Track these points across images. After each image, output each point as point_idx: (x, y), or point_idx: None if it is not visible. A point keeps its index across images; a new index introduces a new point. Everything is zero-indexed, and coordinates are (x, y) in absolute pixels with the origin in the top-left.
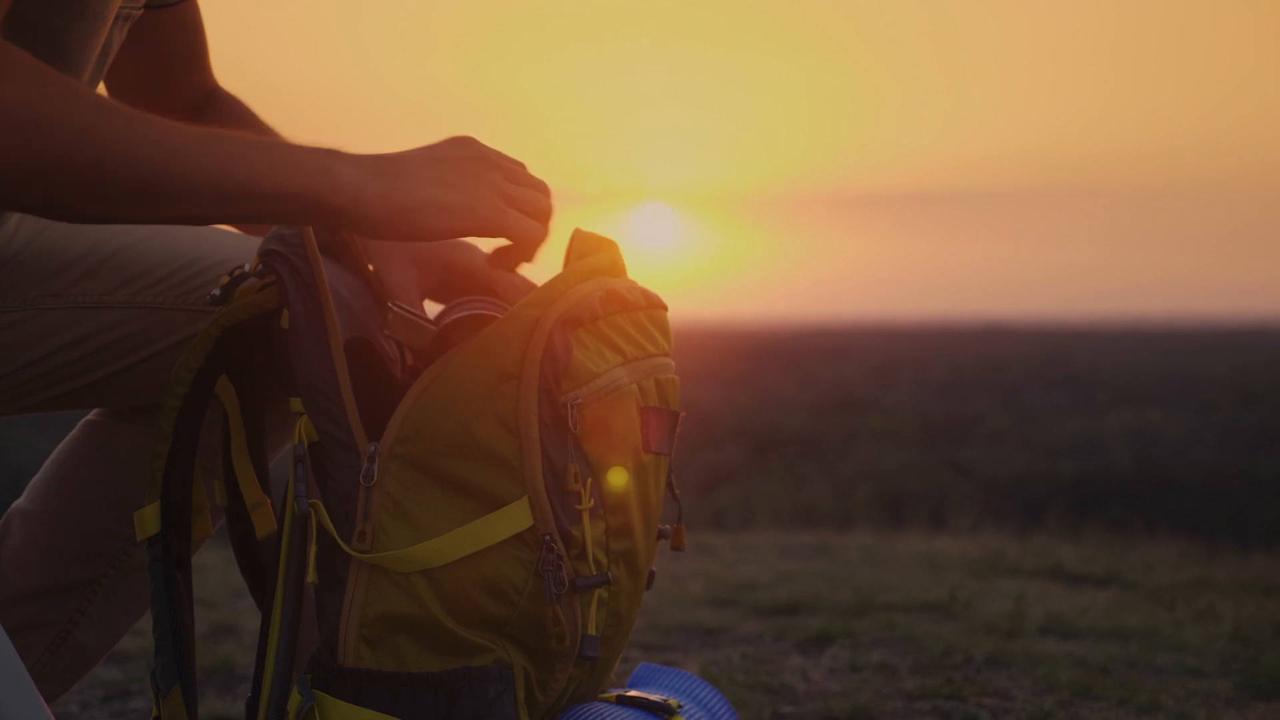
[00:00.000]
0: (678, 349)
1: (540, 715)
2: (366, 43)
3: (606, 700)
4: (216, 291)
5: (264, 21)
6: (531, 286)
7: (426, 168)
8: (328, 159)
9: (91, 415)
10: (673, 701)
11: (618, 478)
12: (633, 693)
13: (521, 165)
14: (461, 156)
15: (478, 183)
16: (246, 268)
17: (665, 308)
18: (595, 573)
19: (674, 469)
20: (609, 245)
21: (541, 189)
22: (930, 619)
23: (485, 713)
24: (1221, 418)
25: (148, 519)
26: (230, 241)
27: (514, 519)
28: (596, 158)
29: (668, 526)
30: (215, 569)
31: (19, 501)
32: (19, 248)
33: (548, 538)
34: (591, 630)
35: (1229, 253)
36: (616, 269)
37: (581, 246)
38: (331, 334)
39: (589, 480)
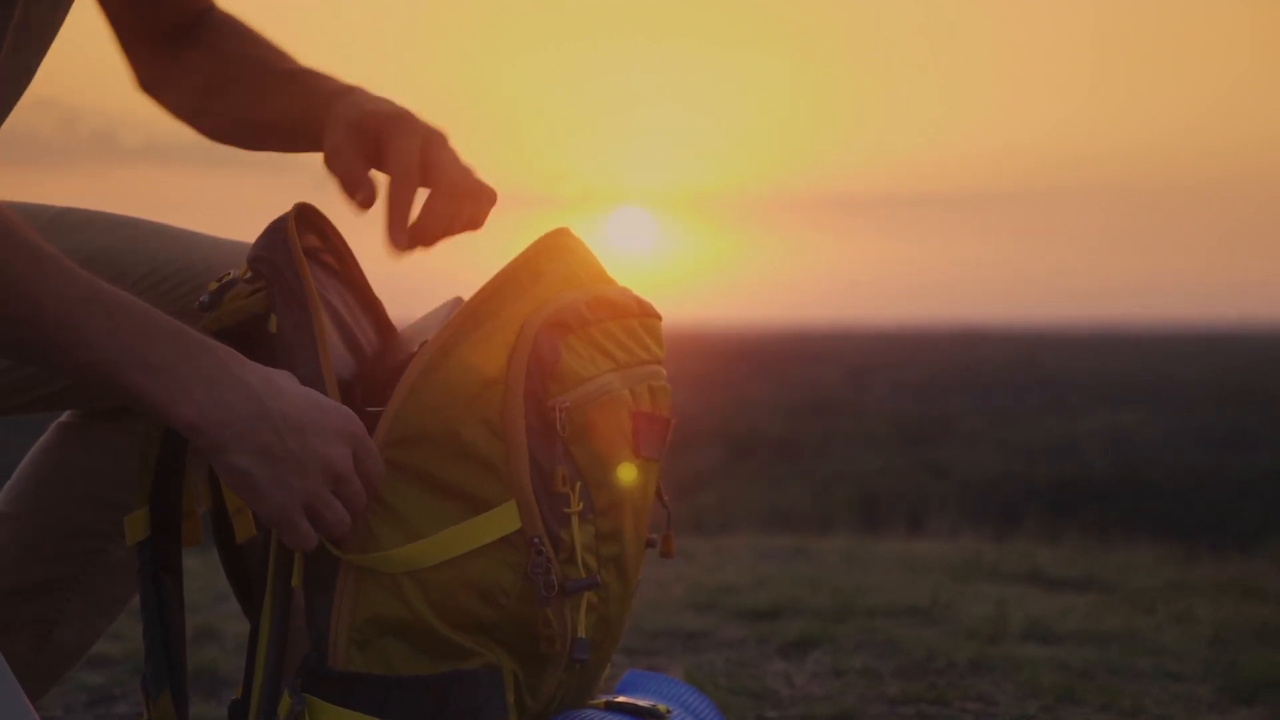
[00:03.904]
0: None
1: (530, 719)
2: (345, 40)
3: (595, 707)
4: (205, 298)
5: (244, 15)
6: (469, 178)
7: (269, 430)
8: (189, 374)
9: (64, 417)
10: (661, 707)
11: (627, 473)
12: (621, 698)
13: (368, 454)
14: (312, 437)
15: (295, 479)
16: (234, 274)
17: (659, 317)
18: (584, 576)
19: (662, 476)
20: (581, 248)
21: (365, 485)
22: (911, 623)
23: (475, 716)
24: (1197, 420)
25: (136, 523)
26: (218, 248)
27: (502, 521)
28: (572, 160)
29: (655, 535)
30: (198, 573)
31: None
32: None
33: (536, 540)
34: (581, 634)
35: (1204, 256)
36: (602, 275)
37: (553, 248)
38: (319, 340)
39: (578, 484)
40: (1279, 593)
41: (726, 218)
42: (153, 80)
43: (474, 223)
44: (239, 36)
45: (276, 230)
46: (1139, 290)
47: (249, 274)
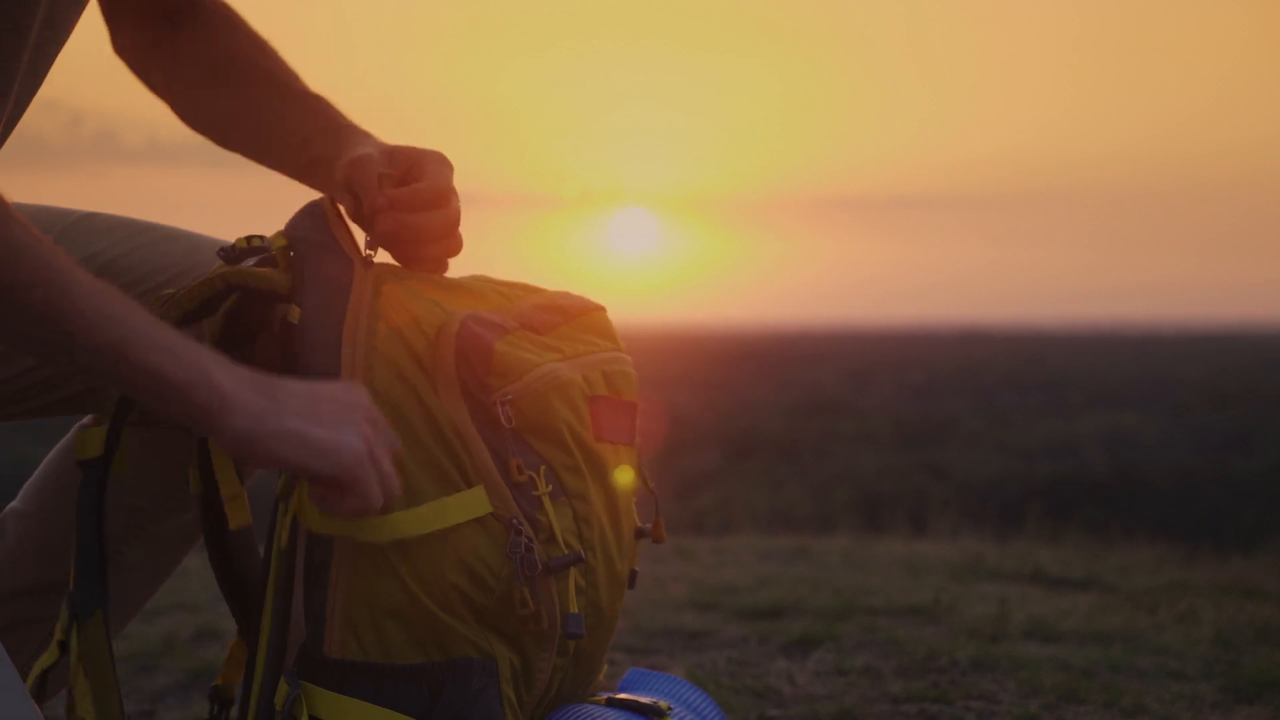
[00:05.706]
0: (655, 352)
1: (528, 712)
2: (345, 40)
3: (596, 703)
4: (231, 244)
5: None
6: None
7: (300, 399)
8: (207, 359)
9: (85, 420)
10: (662, 704)
11: (590, 458)
12: (623, 695)
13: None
14: (342, 400)
15: (348, 425)
16: (267, 240)
17: (602, 308)
18: (567, 553)
19: (645, 463)
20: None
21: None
22: (913, 622)
23: (470, 707)
24: (1196, 421)
25: (90, 439)
26: None
27: (474, 503)
28: (574, 161)
29: (646, 525)
30: (197, 572)
31: (14, 503)
32: None
33: (515, 521)
34: (573, 609)
35: (1203, 258)
36: (528, 290)
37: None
38: (346, 329)
39: (542, 468)
40: None
41: (727, 218)
42: (135, 51)
43: (438, 265)
44: (246, 38)
45: (315, 215)
46: (1139, 291)
47: (283, 246)
